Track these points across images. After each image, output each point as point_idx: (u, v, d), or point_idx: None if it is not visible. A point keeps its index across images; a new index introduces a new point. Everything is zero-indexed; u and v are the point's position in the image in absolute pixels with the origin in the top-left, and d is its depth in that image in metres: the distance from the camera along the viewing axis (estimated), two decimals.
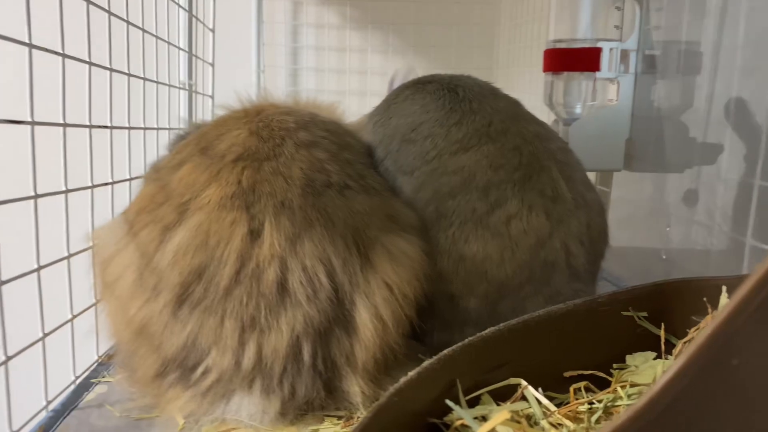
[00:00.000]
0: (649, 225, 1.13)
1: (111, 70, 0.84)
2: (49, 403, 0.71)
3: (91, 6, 0.77)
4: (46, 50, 0.66)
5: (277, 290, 0.63)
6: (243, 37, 1.77)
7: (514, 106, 0.89)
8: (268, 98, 0.93)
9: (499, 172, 0.78)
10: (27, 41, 0.62)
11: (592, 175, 1.07)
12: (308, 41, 1.87)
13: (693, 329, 0.73)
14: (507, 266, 0.77)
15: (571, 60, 1.10)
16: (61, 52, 0.70)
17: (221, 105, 0.87)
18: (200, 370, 0.64)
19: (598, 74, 1.09)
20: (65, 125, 0.72)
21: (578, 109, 1.13)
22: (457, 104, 0.85)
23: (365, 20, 1.86)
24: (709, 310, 0.72)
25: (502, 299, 0.78)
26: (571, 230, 0.80)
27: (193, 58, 1.35)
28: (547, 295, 0.79)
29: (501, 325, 0.63)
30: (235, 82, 1.76)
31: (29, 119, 0.64)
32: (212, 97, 1.49)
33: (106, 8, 0.82)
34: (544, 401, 0.58)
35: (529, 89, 1.56)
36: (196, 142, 0.75)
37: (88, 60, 0.77)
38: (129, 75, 0.91)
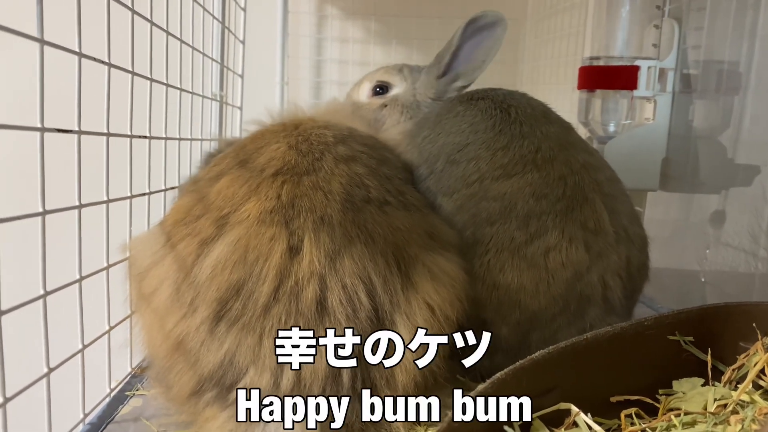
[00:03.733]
0: (685, 246, 1.12)
1: (151, 80, 0.83)
2: (86, 416, 0.70)
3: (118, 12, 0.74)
4: (94, 59, 0.65)
5: (317, 309, 0.61)
6: (268, 49, 1.77)
7: (566, 132, 0.86)
8: (297, 112, 0.92)
9: (542, 203, 0.77)
10: (77, 50, 0.62)
11: None
12: (332, 55, 1.87)
13: (742, 356, 0.71)
14: (541, 298, 0.75)
15: (607, 78, 1.09)
16: (107, 61, 0.69)
17: (252, 121, 0.86)
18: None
19: (635, 93, 1.08)
20: (108, 134, 0.72)
21: (614, 127, 1.12)
22: (507, 126, 0.82)
23: (389, 35, 1.86)
24: (759, 336, 0.71)
25: (533, 329, 0.77)
26: (610, 264, 0.78)
27: (224, 70, 1.35)
28: (580, 328, 0.77)
29: (550, 348, 0.62)
30: (260, 94, 1.77)
31: (76, 128, 0.64)
32: (241, 108, 1.49)
33: (149, 18, 0.81)
34: (597, 428, 0.57)
35: (555, 106, 1.55)
36: (235, 155, 0.74)
37: (131, 69, 0.76)
38: (167, 85, 0.91)
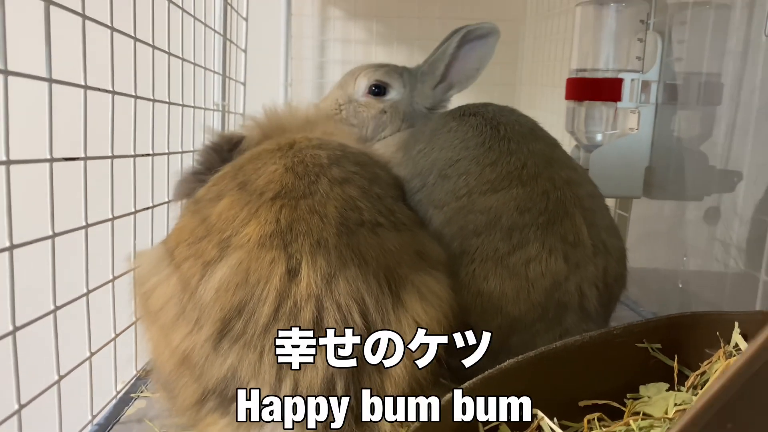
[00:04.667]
0: (666, 251, 1.16)
1: (153, 101, 0.88)
2: (94, 417, 0.76)
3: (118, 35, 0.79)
4: (99, 89, 0.71)
5: (313, 328, 0.66)
6: (272, 52, 1.81)
7: (551, 148, 0.91)
8: (291, 112, 0.97)
9: (525, 216, 0.81)
10: (83, 83, 0.67)
11: (611, 201, 1.09)
12: (335, 56, 1.90)
13: (705, 362, 0.75)
14: (521, 305, 0.80)
15: (592, 90, 1.13)
16: (111, 89, 0.74)
17: (248, 117, 0.90)
18: None
19: (619, 104, 1.12)
20: (113, 157, 0.77)
21: (599, 137, 1.16)
22: (496, 143, 0.87)
23: (391, 36, 1.89)
24: (722, 344, 0.75)
25: (513, 333, 0.82)
26: (587, 275, 0.82)
27: (226, 80, 1.40)
28: (557, 333, 0.82)
29: (519, 357, 0.67)
30: (264, 98, 1.81)
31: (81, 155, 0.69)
32: (243, 115, 1.53)
33: (150, 43, 0.86)
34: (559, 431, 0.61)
35: (552, 108, 1.59)
36: (233, 176, 0.78)
37: (134, 94, 0.81)
38: (170, 103, 0.96)
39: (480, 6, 1.90)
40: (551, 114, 1.51)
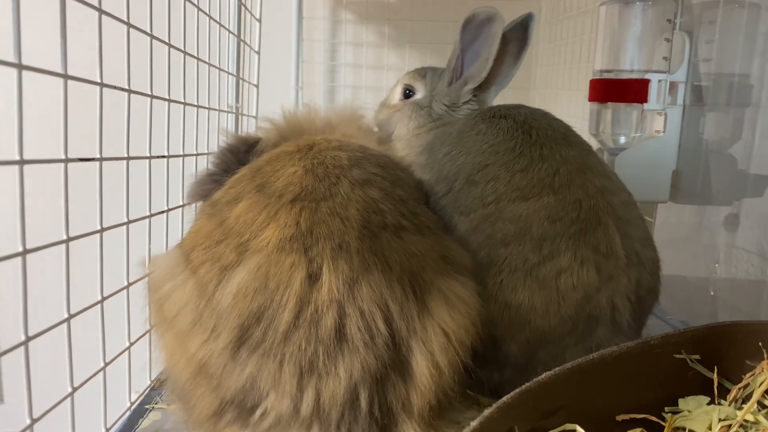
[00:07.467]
0: (696, 258, 1.12)
1: (169, 101, 0.86)
2: (108, 430, 0.73)
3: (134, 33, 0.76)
4: (115, 87, 0.68)
5: (336, 336, 0.63)
6: (283, 55, 1.80)
7: (585, 155, 0.86)
8: (310, 114, 0.94)
9: (556, 225, 0.78)
10: (99, 81, 0.65)
11: None
12: (346, 59, 1.89)
13: (748, 375, 0.72)
14: (551, 318, 0.77)
15: (618, 91, 1.10)
16: (128, 88, 0.72)
17: (264, 118, 0.88)
18: (259, 412, 0.64)
19: (645, 106, 1.09)
20: (128, 158, 0.74)
21: (624, 140, 1.13)
22: (527, 148, 0.83)
23: (403, 39, 1.88)
24: (765, 355, 0.72)
25: (542, 347, 0.78)
26: (619, 287, 0.79)
27: (240, 81, 1.38)
28: (588, 347, 0.78)
29: (556, 369, 0.63)
30: (276, 101, 1.79)
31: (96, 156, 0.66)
32: (256, 117, 1.51)
33: (166, 41, 0.84)
34: None
35: (567, 112, 1.56)
36: (251, 178, 0.75)
37: (150, 93, 0.79)
38: (185, 104, 0.93)
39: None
40: (567, 117, 1.47)
